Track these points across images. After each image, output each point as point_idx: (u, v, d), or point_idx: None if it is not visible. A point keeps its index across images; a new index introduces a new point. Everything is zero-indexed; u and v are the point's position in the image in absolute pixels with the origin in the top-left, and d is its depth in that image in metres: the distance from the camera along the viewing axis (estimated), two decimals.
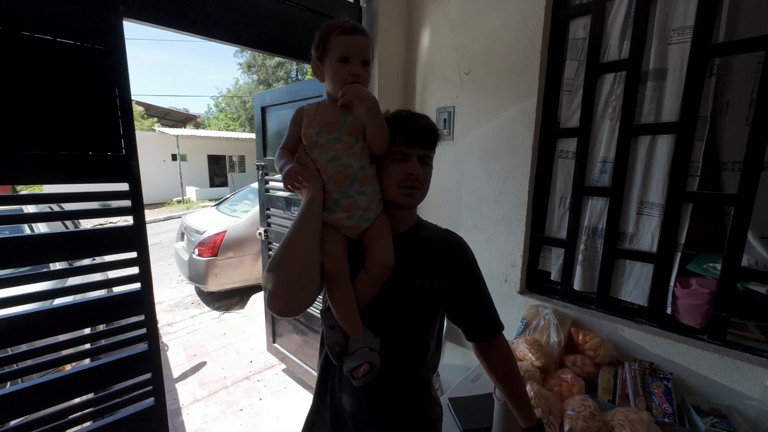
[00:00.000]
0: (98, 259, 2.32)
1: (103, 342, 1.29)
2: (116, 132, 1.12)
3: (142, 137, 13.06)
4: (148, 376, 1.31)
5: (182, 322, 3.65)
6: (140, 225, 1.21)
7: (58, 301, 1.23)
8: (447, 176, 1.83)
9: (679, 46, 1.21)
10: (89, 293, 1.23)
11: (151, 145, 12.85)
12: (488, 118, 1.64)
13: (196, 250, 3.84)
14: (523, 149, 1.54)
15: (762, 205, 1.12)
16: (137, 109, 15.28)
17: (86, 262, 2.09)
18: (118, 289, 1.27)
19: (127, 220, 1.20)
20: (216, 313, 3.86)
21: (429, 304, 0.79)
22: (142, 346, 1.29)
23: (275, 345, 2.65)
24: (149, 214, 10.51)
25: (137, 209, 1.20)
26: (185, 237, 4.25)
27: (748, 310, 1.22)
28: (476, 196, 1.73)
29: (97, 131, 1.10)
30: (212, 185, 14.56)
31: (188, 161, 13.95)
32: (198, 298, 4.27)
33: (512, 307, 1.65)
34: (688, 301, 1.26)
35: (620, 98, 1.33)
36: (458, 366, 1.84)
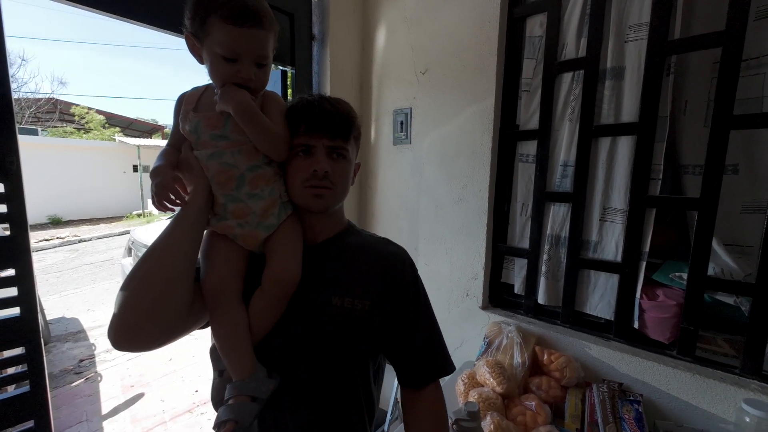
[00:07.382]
0: None
1: None
2: None
3: (100, 147, 12.32)
4: (30, 424, 1.05)
5: None
6: (19, 236, 0.98)
7: None
8: (405, 182, 1.70)
9: (635, 44, 1.15)
10: None
11: (111, 156, 12.13)
12: (446, 120, 1.53)
13: None
14: (481, 152, 1.43)
15: (724, 211, 1.06)
16: (98, 118, 14.41)
17: None
18: None
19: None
20: None
21: (349, 327, 0.61)
22: (22, 387, 1.04)
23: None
24: (105, 228, 9.78)
25: (16, 216, 0.97)
26: (132, 252, 3.88)
27: (716, 323, 1.15)
28: (435, 203, 1.60)
29: None
30: None
31: None
32: None
33: (474, 324, 1.51)
34: (656, 314, 1.16)
35: (579, 98, 1.25)
36: None
